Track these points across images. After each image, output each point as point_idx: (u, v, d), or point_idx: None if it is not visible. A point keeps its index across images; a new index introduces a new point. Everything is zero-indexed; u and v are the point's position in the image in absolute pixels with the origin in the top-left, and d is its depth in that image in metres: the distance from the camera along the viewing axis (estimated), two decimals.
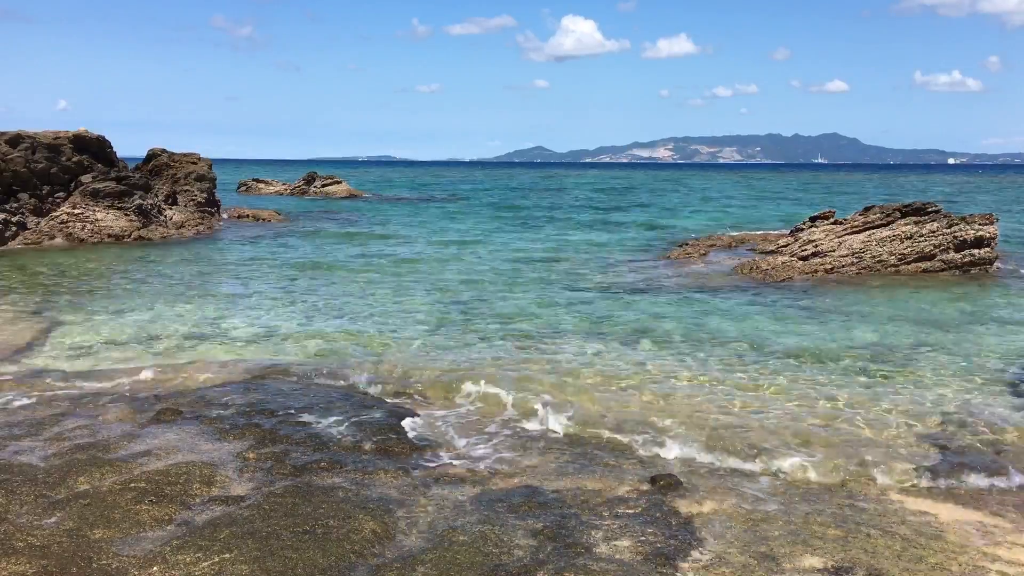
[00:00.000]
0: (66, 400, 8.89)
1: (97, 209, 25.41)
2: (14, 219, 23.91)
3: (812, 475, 7.12)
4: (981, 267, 18.93)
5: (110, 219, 25.47)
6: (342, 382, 9.90)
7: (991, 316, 14.17)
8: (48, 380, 9.81)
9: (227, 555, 5.28)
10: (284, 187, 59.76)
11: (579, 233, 30.36)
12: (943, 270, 18.80)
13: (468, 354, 11.33)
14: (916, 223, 19.43)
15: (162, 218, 27.60)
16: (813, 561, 5.43)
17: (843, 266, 19.00)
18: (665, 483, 6.75)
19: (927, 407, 9.01)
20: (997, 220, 19.75)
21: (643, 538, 5.72)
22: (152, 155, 31.65)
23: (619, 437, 8.02)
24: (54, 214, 24.85)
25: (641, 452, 7.65)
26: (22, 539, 5.47)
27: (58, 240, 24.30)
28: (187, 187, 30.70)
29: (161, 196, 28.88)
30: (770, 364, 10.82)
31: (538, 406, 8.94)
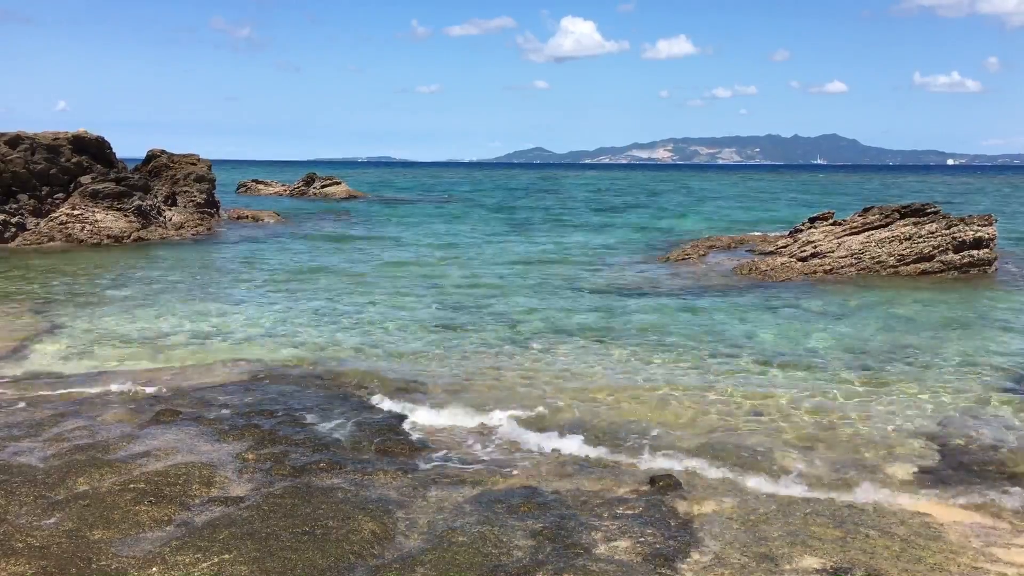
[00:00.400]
0: (65, 401, 8.90)
1: (96, 210, 25.41)
2: (13, 220, 23.92)
3: (811, 475, 7.13)
4: (980, 268, 18.94)
5: (109, 220, 25.46)
6: (341, 383, 9.90)
7: (990, 317, 14.18)
8: (47, 381, 9.82)
9: (226, 556, 5.29)
10: (283, 188, 59.75)
11: (578, 235, 30.37)
12: (942, 271, 18.81)
13: (467, 356, 11.34)
14: (915, 224, 19.44)
15: (161, 219, 27.60)
16: (812, 562, 5.43)
17: (842, 267, 19.01)
18: (664, 484, 6.75)
19: (926, 408, 9.02)
20: (996, 221, 19.77)
21: (642, 539, 5.72)
22: (151, 156, 31.66)
23: (618, 438, 8.03)
24: (53, 215, 24.85)
25: (640, 453, 7.65)
26: (21, 540, 5.47)
27: (57, 241, 24.30)
28: (186, 188, 30.70)
29: (160, 197, 28.88)
30: (769, 364, 10.83)
31: (537, 407, 8.95)
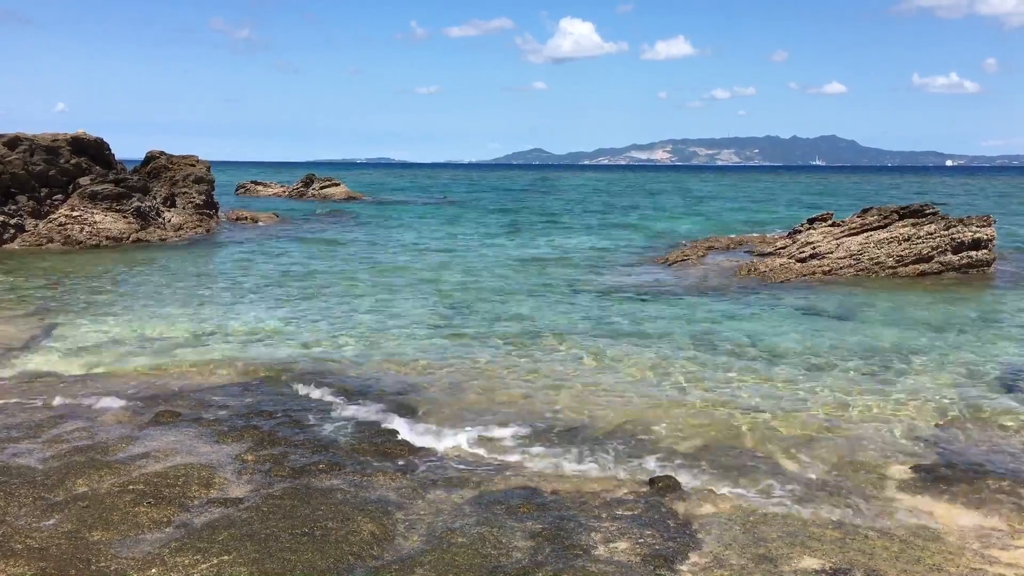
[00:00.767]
0: (64, 402, 8.89)
1: (95, 211, 25.40)
2: (12, 221, 23.91)
3: (810, 476, 7.13)
4: (979, 269, 18.95)
5: (108, 221, 25.46)
6: (340, 384, 9.90)
7: (989, 318, 14.19)
8: (46, 382, 9.81)
9: (226, 557, 5.29)
10: (282, 189, 59.75)
11: (577, 236, 30.37)
12: (941, 272, 18.83)
13: (466, 357, 11.34)
14: (914, 225, 19.46)
15: (160, 220, 27.59)
16: (811, 563, 5.44)
17: (841, 268, 19.03)
18: (663, 485, 6.75)
19: (925, 409, 9.03)
20: (994, 222, 19.79)
21: (641, 540, 5.73)
22: (150, 157, 31.64)
23: (617, 439, 8.03)
24: (52, 216, 24.84)
25: (639, 454, 7.65)
26: (21, 541, 5.47)
27: (56, 242, 24.28)
28: (185, 189, 30.68)
29: (159, 198, 28.88)
30: (768, 365, 10.84)
31: (536, 408, 8.95)
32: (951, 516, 6.35)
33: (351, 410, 8.78)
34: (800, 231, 21.25)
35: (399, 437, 7.93)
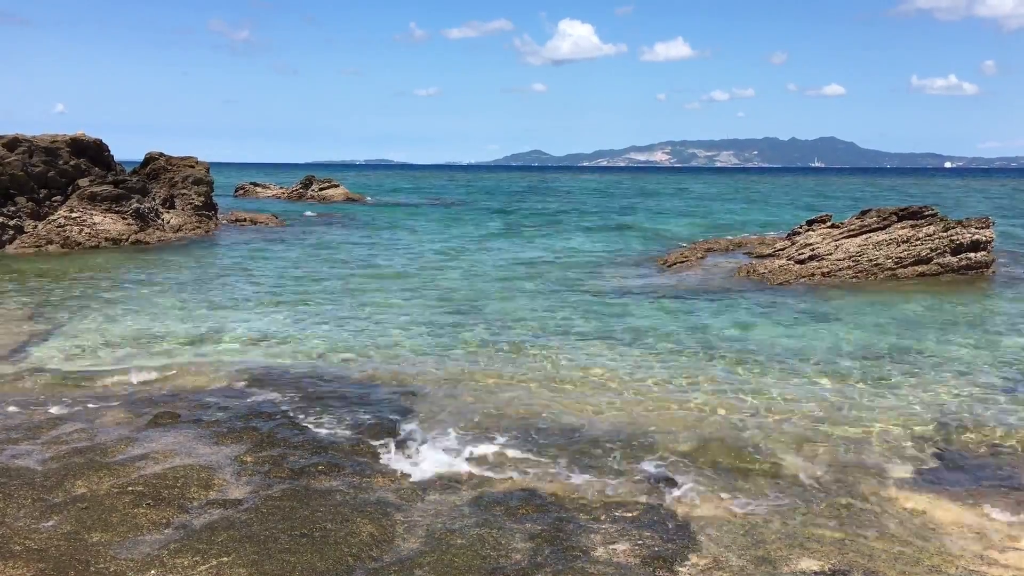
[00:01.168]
0: (63, 404, 8.89)
1: (95, 213, 25.40)
2: (11, 223, 23.90)
3: (809, 477, 7.14)
4: (978, 270, 18.97)
5: (107, 223, 25.45)
6: (339, 386, 9.90)
7: (987, 319, 14.21)
8: (45, 384, 9.81)
9: (225, 558, 5.29)
10: (281, 191, 59.73)
11: (576, 238, 30.38)
12: (940, 273, 18.84)
13: (465, 359, 11.34)
14: (912, 227, 19.47)
15: (159, 222, 27.59)
16: (810, 564, 5.44)
17: (840, 270, 19.04)
18: (662, 486, 6.75)
19: (924, 410, 9.03)
20: (993, 223, 19.81)
21: (640, 541, 5.73)
22: (150, 159, 31.64)
23: (617, 440, 8.03)
24: (51, 218, 24.83)
25: (639, 455, 7.65)
26: (20, 542, 5.47)
27: (55, 244, 24.26)
28: (184, 191, 30.68)
29: (158, 200, 28.87)
30: (767, 367, 10.84)
31: (536, 410, 8.95)
32: (950, 517, 6.36)
33: (350, 411, 8.78)
34: (799, 233, 21.26)
35: (398, 438, 7.93)
